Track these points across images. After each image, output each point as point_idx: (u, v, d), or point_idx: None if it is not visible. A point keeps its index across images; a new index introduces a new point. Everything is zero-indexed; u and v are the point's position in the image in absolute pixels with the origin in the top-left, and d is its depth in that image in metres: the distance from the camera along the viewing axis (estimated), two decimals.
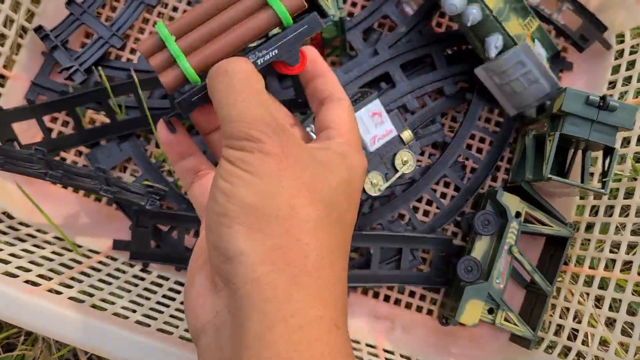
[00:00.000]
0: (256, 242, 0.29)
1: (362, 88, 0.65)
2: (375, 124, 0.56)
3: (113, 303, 0.52)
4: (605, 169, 0.60)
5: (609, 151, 0.60)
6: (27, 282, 0.49)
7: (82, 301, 0.50)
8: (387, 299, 0.67)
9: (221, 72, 0.33)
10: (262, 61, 0.39)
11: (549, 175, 0.59)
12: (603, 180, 0.60)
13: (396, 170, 0.57)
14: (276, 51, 0.39)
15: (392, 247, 0.65)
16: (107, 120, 0.65)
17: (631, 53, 0.68)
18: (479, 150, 0.70)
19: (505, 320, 0.62)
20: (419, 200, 0.68)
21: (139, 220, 0.61)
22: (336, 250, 0.32)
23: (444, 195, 0.69)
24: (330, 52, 0.64)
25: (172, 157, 0.40)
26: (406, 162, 0.57)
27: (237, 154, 0.31)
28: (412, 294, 0.67)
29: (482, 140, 0.70)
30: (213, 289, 0.32)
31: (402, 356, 0.64)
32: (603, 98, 0.57)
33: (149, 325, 0.50)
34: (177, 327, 0.52)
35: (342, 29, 0.60)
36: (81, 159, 0.66)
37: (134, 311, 0.52)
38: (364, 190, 0.56)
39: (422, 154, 0.69)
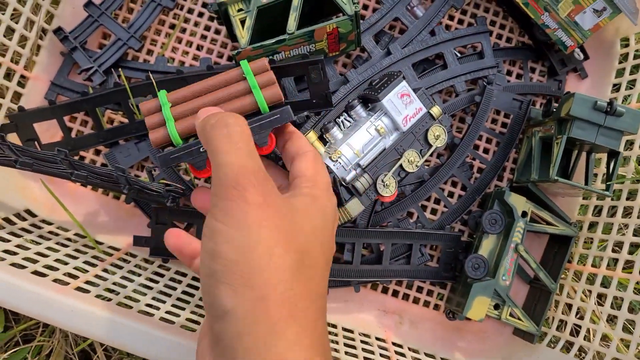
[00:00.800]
0: (241, 298, 0.32)
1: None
2: (405, 104, 0.60)
3: (137, 300, 0.54)
4: (610, 171, 0.62)
5: (613, 154, 0.62)
6: (55, 280, 0.51)
7: (109, 299, 0.52)
8: (395, 294, 0.69)
9: (222, 125, 0.37)
10: None
11: (556, 177, 0.61)
12: (607, 183, 0.62)
13: (430, 146, 0.60)
14: None
15: (402, 243, 0.67)
16: (126, 120, 0.66)
17: (635, 57, 0.70)
18: (486, 151, 0.72)
19: (510, 315, 0.64)
20: (428, 199, 0.71)
21: (159, 217, 0.63)
22: (309, 295, 0.34)
23: (451, 195, 0.71)
24: (345, 47, 0.65)
25: (185, 261, 0.44)
26: (438, 137, 0.61)
27: (221, 205, 0.33)
28: (419, 290, 0.70)
29: (489, 140, 0.72)
30: None
31: (410, 349, 0.67)
32: (610, 103, 0.59)
33: (173, 322, 0.52)
34: (198, 323, 0.54)
35: (357, 23, 0.62)
36: (99, 158, 0.68)
37: (158, 308, 0.54)
38: (402, 168, 0.60)
39: (431, 154, 0.71)
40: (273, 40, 0.60)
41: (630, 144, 0.67)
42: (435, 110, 0.61)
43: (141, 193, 0.59)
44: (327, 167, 0.59)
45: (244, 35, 0.61)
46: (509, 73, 0.74)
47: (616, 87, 0.72)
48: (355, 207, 0.59)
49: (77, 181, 0.57)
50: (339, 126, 0.61)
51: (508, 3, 0.73)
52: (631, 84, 0.70)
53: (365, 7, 0.73)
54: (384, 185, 0.59)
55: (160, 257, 0.64)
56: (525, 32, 0.74)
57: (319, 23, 0.61)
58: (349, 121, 0.61)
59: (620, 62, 0.72)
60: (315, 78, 0.60)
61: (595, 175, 0.69)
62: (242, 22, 0.62)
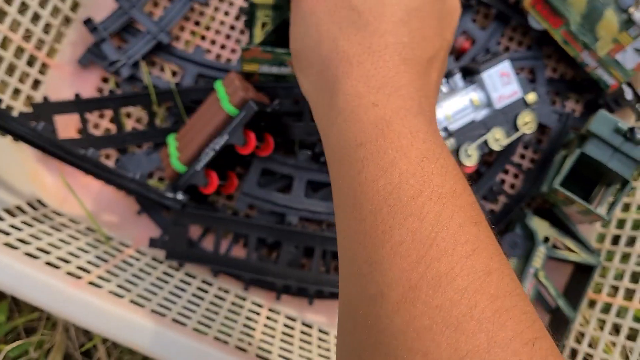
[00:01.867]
0: (342, 26, 0.35)
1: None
2: (503, 83, 0.62)
3: (149, 300, 0.52)
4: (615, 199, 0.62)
5: (625, 184, 0.61)
6: (68, 273, 0.50)
7: (121, 296, 0.50)
8: None
9: None
10: (218, 146, 0.58)
11: (557, 186, 0.60)
12: (609, 208, 0.62)
13: (517, 129, 0.62)
14: (227, 136, 0.57)
15: None
16: (140, 123, 0.66)
17: None
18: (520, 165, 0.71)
19: None
20: None
21: (176, 220, 0.61)
22: (419, 39, 0.35)
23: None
24: None
25: None
26: (527, 123, 0.62)
27: None
28: None
29: (522, 156, 0.71)
30: None
31: None
32: (631, 129, 0.59)
33: (184, 325, 0.51)
34: (210, 327, 0.53)
35: None
36: (110, 155, 0.67)
37: (169, 309, 0.52)
38: (486, 144, 0.61)
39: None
40: (284, 50, 0.60)
41: None
42: (531, 97, 0.62)
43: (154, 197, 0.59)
44: None
45: (259, 34, 0.61)
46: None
47: None
48: None
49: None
50: None
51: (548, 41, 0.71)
52: None
53: None
54: (466, 155, 0.61)
55: (177, 260, 0.63)
56: (573, 72, 0.72)
57: None
58: (445, 87, 0.63)
59: None
60: None
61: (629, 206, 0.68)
62: (264, 25, 0.62)
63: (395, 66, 0.33)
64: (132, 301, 0.50)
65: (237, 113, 0.57)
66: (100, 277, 0.52)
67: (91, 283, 0.50)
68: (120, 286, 0.52)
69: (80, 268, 0.52)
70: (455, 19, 0.40)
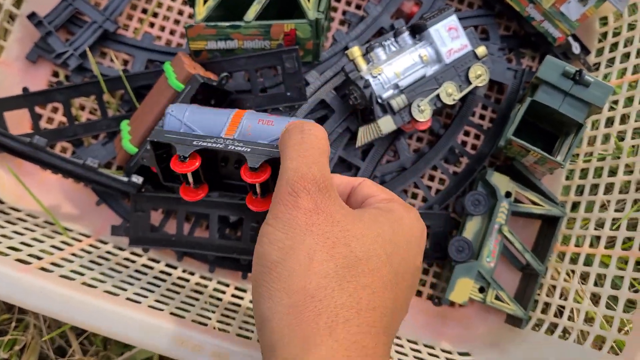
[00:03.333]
0: (275, 303, 0.30)
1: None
2: (451, 37, 0.61)
3: (104, 282, 0.52)
4: (571, 144, 0.61)
5: (579, 128, 0.60)
6: (18, 260, 0.49)
7: (72, 279, 0.50)
8: None
9: (297, 130, 0.35)
10: None
11: (510, 137, 0.60)
12: (565, 154, 0.61)
13: (469, 83, 0.61)
14: None
15: None
16: (95, 115, 0.65)
17: (614, 35, 0.69)
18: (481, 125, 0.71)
19: (497, 299, 0.62)
20: (423, 177, 0.69)
21: (137, 205, 0.61)
22: (356, 305, 0.30)
23: (442, 181, 0.70)
24: (302, 55, 0.64)
25: None
26: (480, 76, 0.62)
27: (274, 209, 0.32)
28: None
29: (482, 117, 0.71)
30: None
31: None
32: (579, 71, 0.58)
33: (139, 302, 0.50)
34: (167, 304, 0.52)
35: (317, 33, 0.61)
36: (66, 149, 0.66)
37: (125, 290, 0.52)
38: (439, 98, 0.61)
39: (419, 140, 0.70)
40: (228, 24, 0.59)
41: (610, 122, 0.66)
42: (480, 50, 0.62)
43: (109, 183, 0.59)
44: (366, 81, 0.60)
45: (201, 11, 0.60)
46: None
47: (596, 66, 0.71)
48: (387, 124, 0.60)
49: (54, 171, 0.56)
50: (384, 49, 0.62)
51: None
52: (610, 62, 0.69)
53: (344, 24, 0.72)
54: (419, 110, 0.60)
55: (141, 246, 0.62)
56: (522, 28, 0.71)
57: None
58: (394, 46, 0.62)
59: (599, 41, 0.71)
60: (290, 68, 0.59)
61: (577, 155, 0.68)
62: (205, 0, 0.61)
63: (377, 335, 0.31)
64: (84, 283, 0.50)
65: (184, 88, 0.56)
66: (53, 264, 0.52)
67: (42, 268, 0.49)
68: (73, 271, 0.52)
69: (31, 255, 0.51)
70: (422, 244, 0.37)
